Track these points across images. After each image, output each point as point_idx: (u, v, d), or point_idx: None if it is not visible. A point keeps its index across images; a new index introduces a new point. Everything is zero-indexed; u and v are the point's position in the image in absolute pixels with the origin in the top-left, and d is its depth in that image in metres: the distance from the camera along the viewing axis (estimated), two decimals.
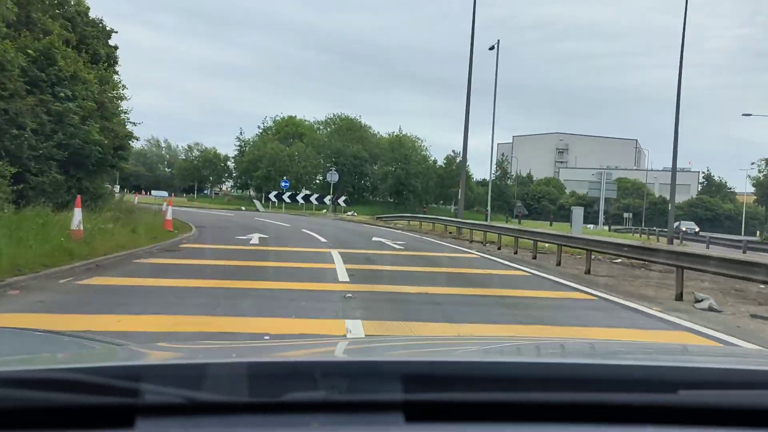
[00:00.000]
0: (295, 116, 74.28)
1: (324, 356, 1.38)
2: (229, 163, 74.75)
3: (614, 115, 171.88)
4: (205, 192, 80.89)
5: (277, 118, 73.92)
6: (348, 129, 70.12)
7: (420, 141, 68.46)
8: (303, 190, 60.22)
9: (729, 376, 1.13)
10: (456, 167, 69.50)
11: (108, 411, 0.94)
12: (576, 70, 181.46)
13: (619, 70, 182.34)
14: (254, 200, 52.37)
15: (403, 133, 67.55)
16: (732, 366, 1.28)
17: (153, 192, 60.95)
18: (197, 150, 79.28)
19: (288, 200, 50.67)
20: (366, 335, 5.65)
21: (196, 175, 77.30)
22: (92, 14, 19.84)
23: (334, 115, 73.04)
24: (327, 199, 48.79)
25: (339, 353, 1.49)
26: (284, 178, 52.07)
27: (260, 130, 72.27)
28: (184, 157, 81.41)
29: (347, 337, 5.18)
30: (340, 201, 50.56)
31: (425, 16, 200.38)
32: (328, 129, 72.70)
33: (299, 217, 40.04)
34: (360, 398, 0.97)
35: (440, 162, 69.48)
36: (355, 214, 46.27)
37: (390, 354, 1.44)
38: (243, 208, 51.51)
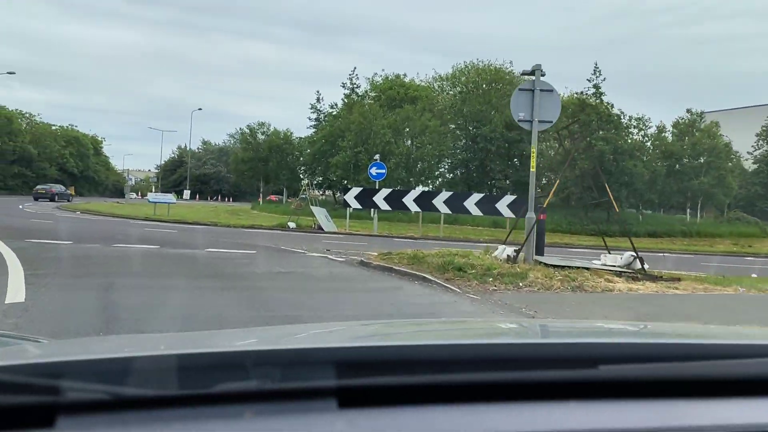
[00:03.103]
0: (404, 75, 46.78)
1: (256, 345, 1.29)
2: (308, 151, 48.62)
3: None
4: (304, 196, 54.93)
5: (376, 78, 46.73)
6: (492, 82, 41.58)
7: (608, 105, 38.13)
8: (419, 187, 32.65)
9: (646, 351, 1.18)
10: (709, 136, 38.63)
11: (27, 411, 0.89)
12: (718, 54, 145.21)
13: None
14: (313, 208, 24.85)
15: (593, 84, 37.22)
16: (649, 341, 1.37)
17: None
18: (262, 133, 53.23)
19: (386, 204, 23.14)
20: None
21: (259, 170, 51.70)
22: None
23: (466, 65, 44.38)
24: (503, 204, 18.55)
25: (271, 341, 1.40)
26: (375, 159, 24.24)
27: (346, 92, 45.42)
28: (244, 145, 54.62)
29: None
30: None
31: (539, 10, 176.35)
32: (458, 88, 44.46)
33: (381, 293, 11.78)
34: (293, 386, 0.97)
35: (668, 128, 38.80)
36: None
37: (323, 340, 1.40)
38: (291, 224, 24.29)
